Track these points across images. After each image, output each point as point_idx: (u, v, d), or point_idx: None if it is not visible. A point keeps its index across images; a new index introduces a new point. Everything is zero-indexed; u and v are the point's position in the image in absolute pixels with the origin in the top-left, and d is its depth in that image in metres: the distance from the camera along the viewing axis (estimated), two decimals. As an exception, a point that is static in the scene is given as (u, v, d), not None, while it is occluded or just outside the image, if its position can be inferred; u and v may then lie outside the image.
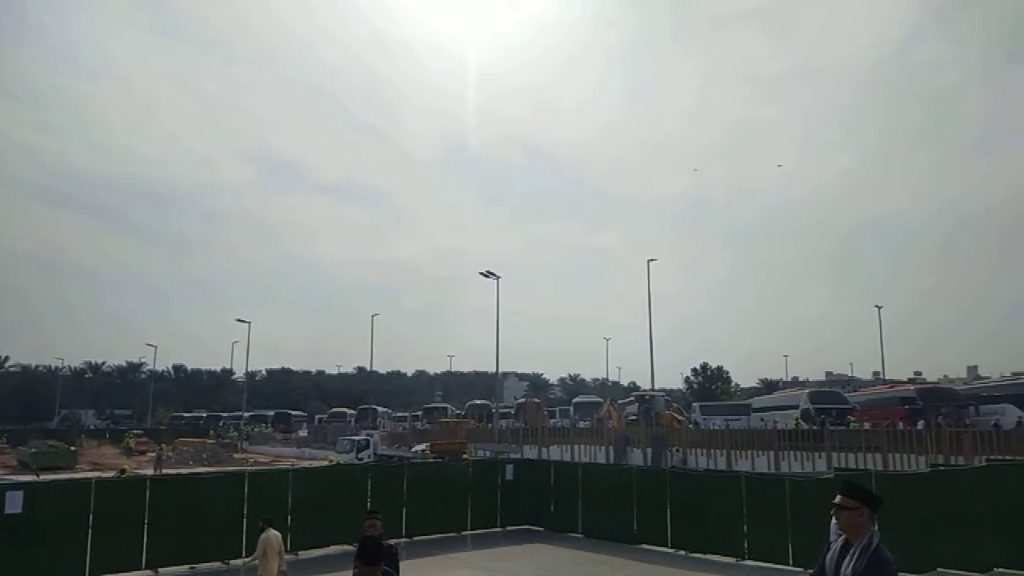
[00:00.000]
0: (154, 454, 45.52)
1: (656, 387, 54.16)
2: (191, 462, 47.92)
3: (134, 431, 67.28)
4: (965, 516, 13.25)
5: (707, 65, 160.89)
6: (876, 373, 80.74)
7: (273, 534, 11.38)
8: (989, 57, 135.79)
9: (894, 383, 54.17)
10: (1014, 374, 56.84)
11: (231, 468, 35.94)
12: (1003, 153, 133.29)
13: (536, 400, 69.73)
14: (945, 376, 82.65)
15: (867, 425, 33.50)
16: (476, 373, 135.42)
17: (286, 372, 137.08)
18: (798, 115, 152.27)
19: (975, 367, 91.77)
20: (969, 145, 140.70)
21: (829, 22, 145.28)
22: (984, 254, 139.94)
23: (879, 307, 63.58)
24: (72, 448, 48.01)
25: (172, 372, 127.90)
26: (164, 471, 35.18)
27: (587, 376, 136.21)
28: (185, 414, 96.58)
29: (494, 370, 53.33)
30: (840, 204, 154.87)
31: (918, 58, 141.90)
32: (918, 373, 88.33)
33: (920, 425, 30.94)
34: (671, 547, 17.97)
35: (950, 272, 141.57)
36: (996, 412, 33.08)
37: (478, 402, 71.83)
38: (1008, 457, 22.41)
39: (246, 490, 16.66)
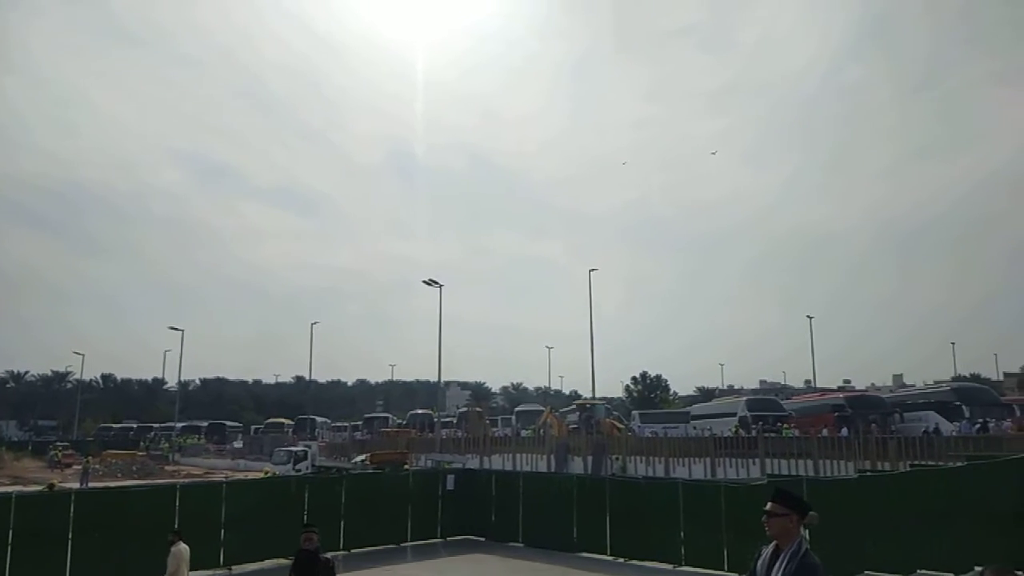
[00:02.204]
0: (80, 467, 43.80)
1: (597, 396, 54.61)
2: (120, 475, 46.23)
3: (59, 443, 64.64)
4: (890, 520, 13.73)
5: (651, 79, 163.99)
6: (808, 381, 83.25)
7: (183, 547, 11.05)
8: (915, 78, 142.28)
9: (824, 391, 55.91)
10: (936, 382, 59.37)
11: (161, 481, 34.87)
12: (937, 168, 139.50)
13: (478, 409, 69.52)
14: (872, 384, 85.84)
15: (795, 432, 34.50)
16: (419, 382, 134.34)
17: (221, 382, 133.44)
18: (739, 130, 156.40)
19: (900, 375, 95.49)
20: (904, 159, 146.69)
21: (764, 40, 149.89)
22: (914, 266, 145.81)
23: (811, 317, 65.59)
24: (-9, 461, 45.90)
25: (100, 382, 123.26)
26: (91, 485, 33.91)
27: (530, 385, 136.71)
28: (114, 425, 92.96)
29: (437, 379, 53.04)
30: (779, 216, 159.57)
31: (851, 76, 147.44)
32: (847, 381, 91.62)
33: (844, 432, 32.01)
34: (610, 555, 18.14)
35: (881, 284, 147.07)
36: (920, 419, 34.45)
37: (420, 412, 71.16)
38: (931, 463, 23.35)
39: (177, 504, 16.17)
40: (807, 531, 11.11)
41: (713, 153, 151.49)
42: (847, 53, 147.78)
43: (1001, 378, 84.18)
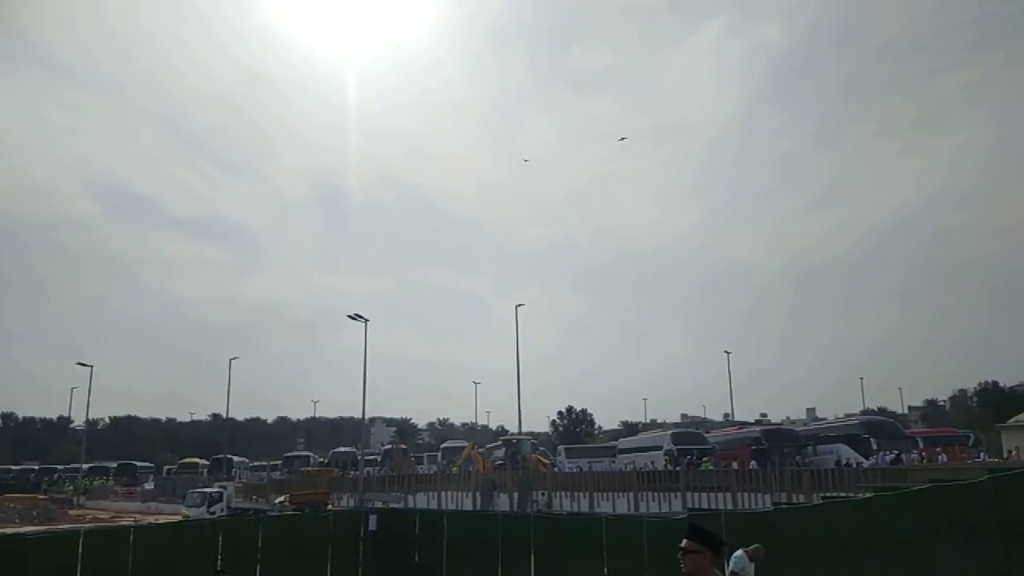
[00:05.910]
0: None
1: (523, 431, 54.57)
2: (18, 521, 43.48)
3: (-50, 487, 60.44)
4: (804, 550, 14.14)
5: (564, 120, 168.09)
6: (726, 415, 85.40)
7: None
8: (821, 127, 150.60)
9: (743, 424, 57.39)
10: (847, 415, 61.80)
11: (64, 527, 32.95)
12: (839, 210, 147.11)
13: (403, 446, 68.28)
14: (788, 418, 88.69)
15: (711, 465, 35.24)
16: (342, 419, 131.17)
17: (132, 420, 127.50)
18: (654, 170, 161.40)
19: (813, 409, 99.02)
20: (808, 203, 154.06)
21: (680, 87, 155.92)
22: (820, 302, 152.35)
23: (728, 352, 67.24)
24: None
25: (0, 420, 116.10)
26: (-16, 532, 31.70)
27: (456, 421, 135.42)
28: (13, 467, 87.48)
29: (361, 415, 51.98)
30: (694, 254, 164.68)
31: (760, 124, 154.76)
32: (764, 415, 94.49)
33: (753, 464, 32.84)
34: (534, 593, 18.03)
35: (791, 319, 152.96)
36: (831, 451, 35.63)
37: (343, 449, 69.54)
38: (842, 494, 24.15)
39: (80, 551, 15.32)
40: (753, 564, 11.38)
41: (622, 139, 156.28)
42: (751, 106, 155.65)
43: (906, 411, 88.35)
